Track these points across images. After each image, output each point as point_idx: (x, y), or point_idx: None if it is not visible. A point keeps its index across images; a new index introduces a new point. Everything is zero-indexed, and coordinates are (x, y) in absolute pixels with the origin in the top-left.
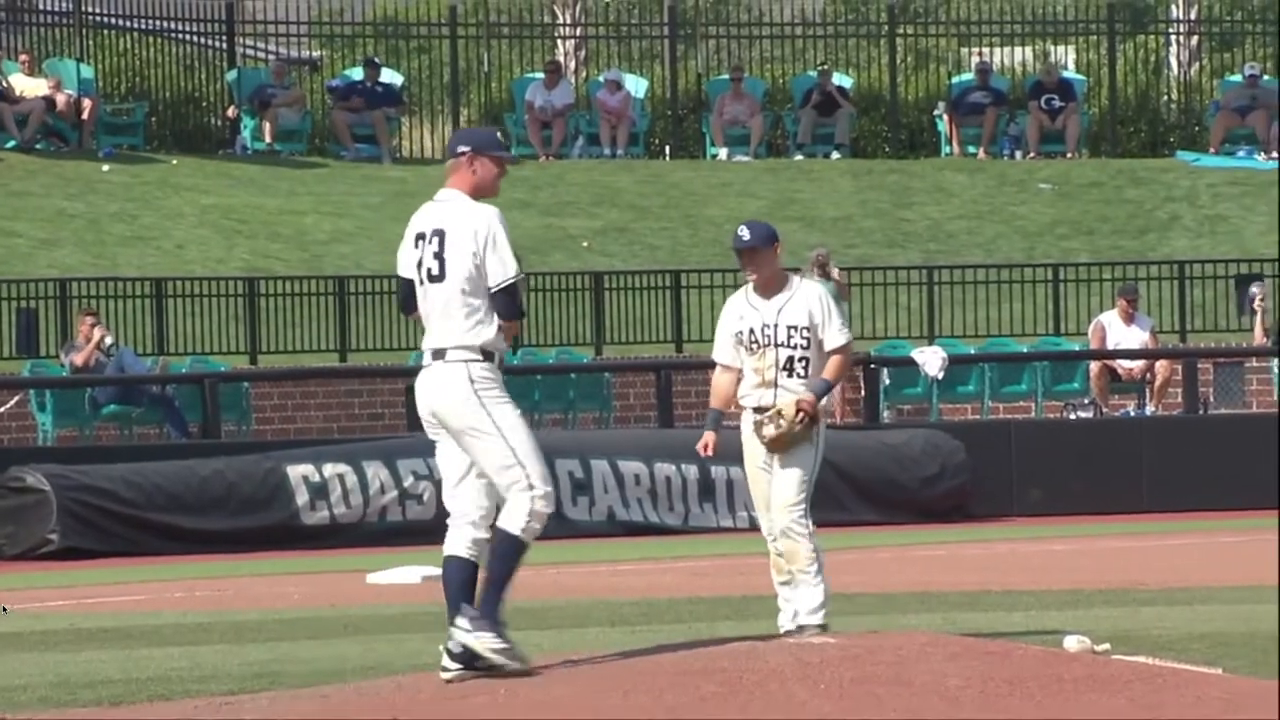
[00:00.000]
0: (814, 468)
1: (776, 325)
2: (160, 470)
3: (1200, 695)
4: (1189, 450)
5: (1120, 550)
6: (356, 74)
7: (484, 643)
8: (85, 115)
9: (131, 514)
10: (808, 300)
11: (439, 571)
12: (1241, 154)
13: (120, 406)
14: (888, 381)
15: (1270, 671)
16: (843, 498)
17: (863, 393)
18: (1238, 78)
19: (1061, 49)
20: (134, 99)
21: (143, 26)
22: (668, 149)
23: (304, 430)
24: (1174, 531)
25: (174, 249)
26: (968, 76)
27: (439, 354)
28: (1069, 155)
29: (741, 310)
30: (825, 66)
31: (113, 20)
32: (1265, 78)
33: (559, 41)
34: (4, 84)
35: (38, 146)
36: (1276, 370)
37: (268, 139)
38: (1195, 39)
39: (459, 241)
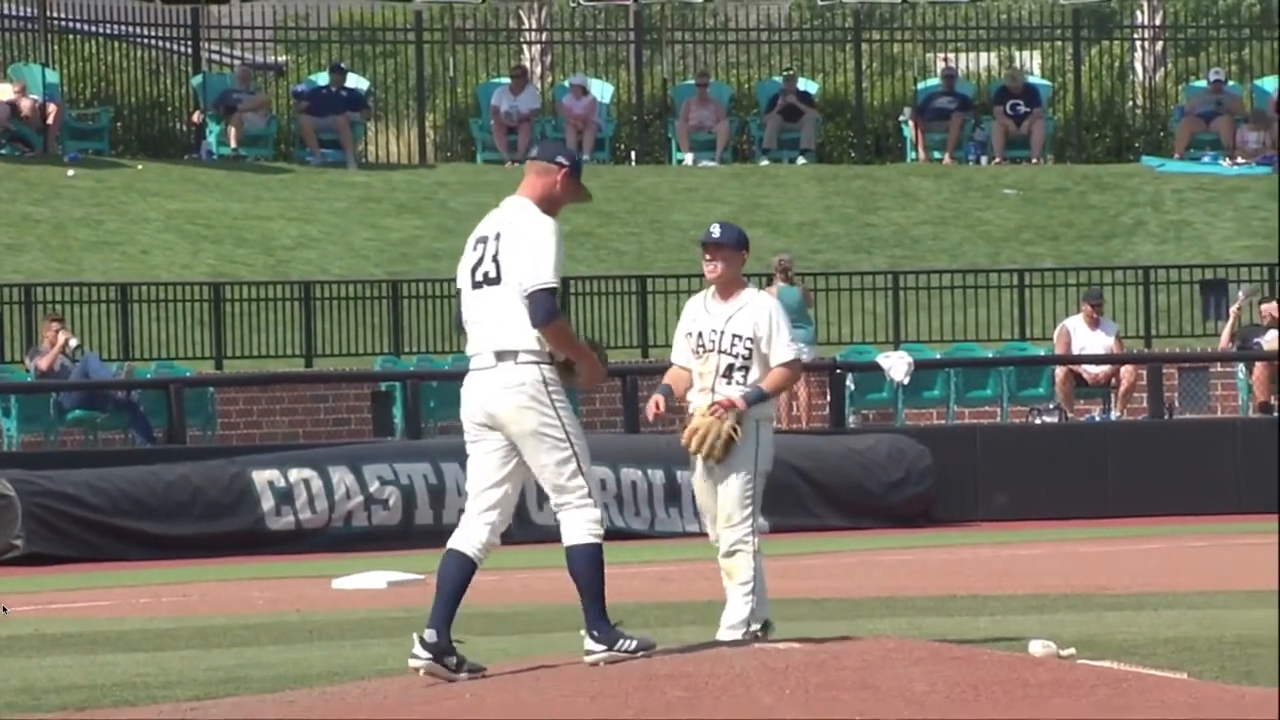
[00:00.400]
0: (755, 481)
1: (723, 332)
2: (125, 475)
3: (1165, 700)
4: (1154, 455)
5: (1085, 555)
6: (322, 79)
7: (625, 650)
8: (50, 120)
9: (97, 519)
10: (756, 312)
11: (404, 576)
12: (1206, 159)
13: (85, 412)
14: (853, 386)
15: (1233, 675)
16: (809, 503)
17: (829, 398)
18: (1202, 83)
19: (1027, 54)
20: (99, 104)
21: (108, 32)
22: (633, 154)
23: (269, 435)
24: (1139, 536)
25: (139, 254)
26: (933, 82)
27: (506, 355)
28: (1034, 161)
29: (696, 313)
30: (791, 72)
31: (78, 25)
32: (1229, 83)
33: (525, 47)
34: None
35: (2, 151)
36: (1241, 376)
37: (233, 144)
38: (1160, 45)
39: (511, 243)
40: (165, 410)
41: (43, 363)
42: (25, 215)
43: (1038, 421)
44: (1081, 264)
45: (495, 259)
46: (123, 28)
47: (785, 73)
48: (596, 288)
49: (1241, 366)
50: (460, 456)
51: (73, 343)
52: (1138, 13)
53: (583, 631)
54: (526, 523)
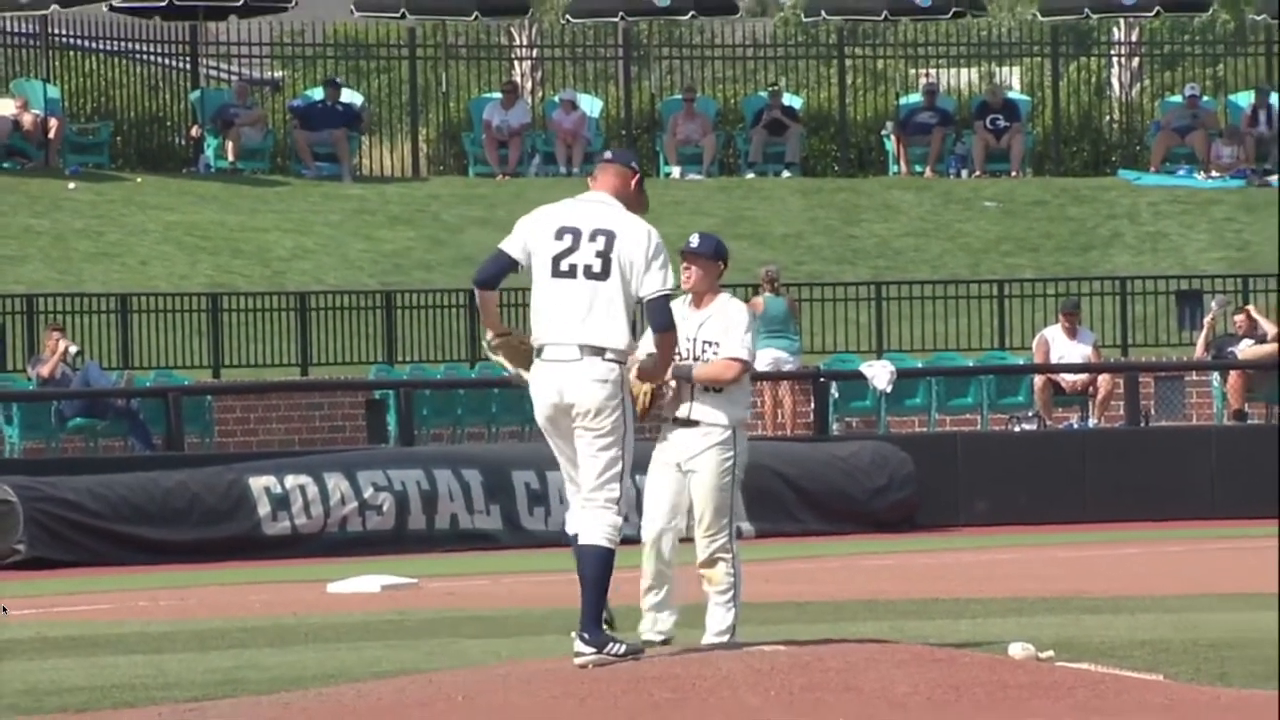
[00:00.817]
0: (732, 489)
1: (695, 339)
2: (125, 482)
3: (1141, 701)
4: (1131, 462)
5: (1064, 560)
6: (317, 94)
7: (613, 654)
8: (52, 134)
9: (97, 525)
10: (725, 317)
11: (397, 580)
12: (1181, 172)
13: (86, 420)
14: (837, 394)
15: (1207, 677)
16: (793, 508)
17: (813, 405)
18: (1178, 98)
19: (1007, 70)
20: (99, 119)
21: (108, 48)
22: None
23: (266, 443)
24: (1116, 541)
25: (138, 265)
26: (915, 97)
27: (594, 350)
28: (1013, 174)
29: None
30: (776, 87)
31: (79, 41)
32: (1204, 98)
33: (516, 63)
34: None
35: (5, 165)
36: (1216, 384)
37: (230, 158)
38: (1136, 61)
39: (629, 246)
40: (164, 418)
41: (44, 370)
42: (27, 227)
43: (1017, 429)
44: (1060, 275)
45: (603, 255)
46: (122, 44)
47: (770, 88)
48: None
49: (1216, 375)
50: (453, 464)
51: (73, 349)
52: (1115, 30)
53: (574, 634)
54: (516, 528)
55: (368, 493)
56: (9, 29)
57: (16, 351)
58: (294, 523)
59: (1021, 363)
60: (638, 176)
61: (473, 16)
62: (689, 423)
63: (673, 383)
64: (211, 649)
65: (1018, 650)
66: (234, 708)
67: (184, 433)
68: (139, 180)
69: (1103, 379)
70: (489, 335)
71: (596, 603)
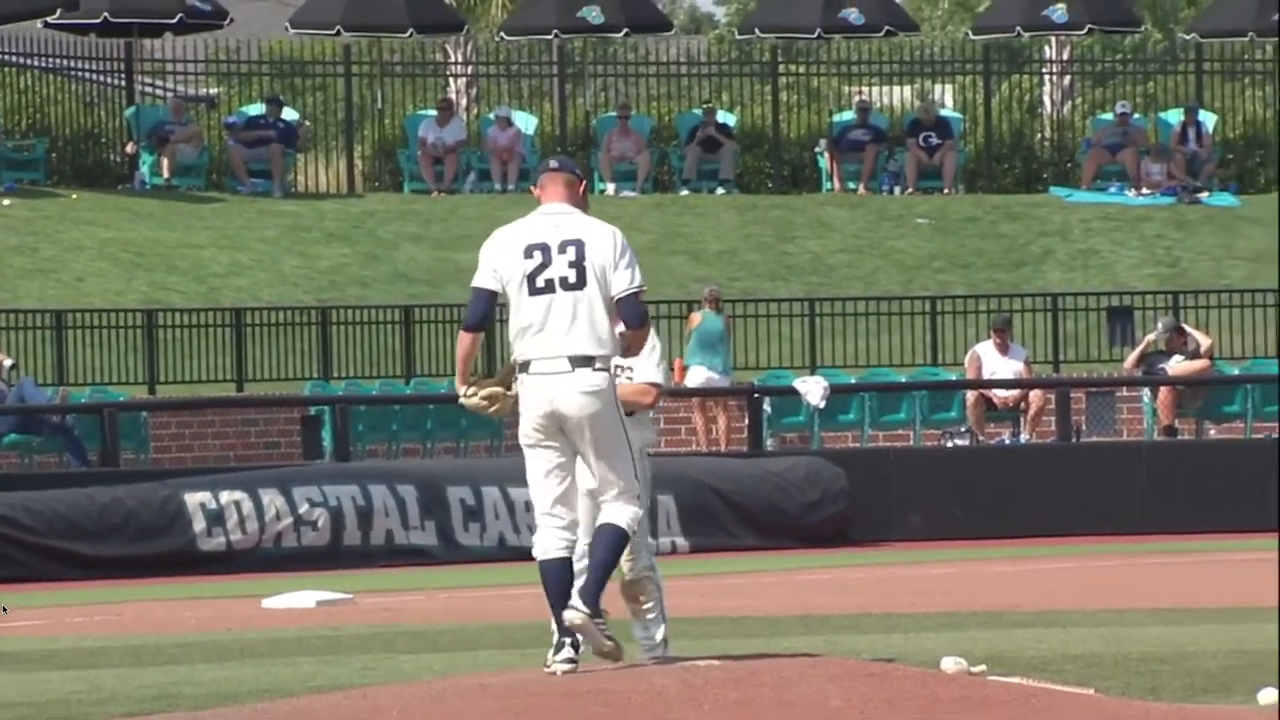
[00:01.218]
0: (643, 503)
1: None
2: (60, 498)
3: (1073, 715)
4: (1062, 477)
5: (996, 574)
6: (254, 110)
7: (602, 630)
8: None
9: (32, 541)
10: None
11: (332, 596)
12: (1113, 190)
13: (20, 436)
14: (770, 410)
15: (1138, 691)
16: (727, 523)
17: (747, 421)
18: (1109, 116)
19: (939, 88)
20: (34, 135)
21: (43, 65)
22: None
23: (201, 458)
24: (1048, 556)
25: (74, 281)
26: (848, 115)
27: (584, 361)
28: (946, 191)
29: None
30: (710, 105)
31: (14, 58)
32: (1135, 116)
33: (451, 80)
34: None
35: None
36: (1147, 400)
37: (166, 174)
38: (1068, 79)
39: (599, 251)
40: (99, 434)
41: None
42: None
43: (950, 444)
44: (992, 291)
45: (576, 265)
46: (58, 61)
47: (705, 105)
48: None
49: (1147, 391)
50: (388, 479)
51: (7, 362)
52: (1046, 48)
53: (573, 600)
54: (451, 543)
55: (303, 508)
56: None
57: None
58: (229, 538)
59: (954, 378)
60: (584, 183)
61: (408, 34)
62: None
63: None
64: (147, 665)
65: (950, 664)
66: None
67: (119, 449)
68: (74, 196)
69: (1034, 395)
70: (465, 389)
71: (601, 580)
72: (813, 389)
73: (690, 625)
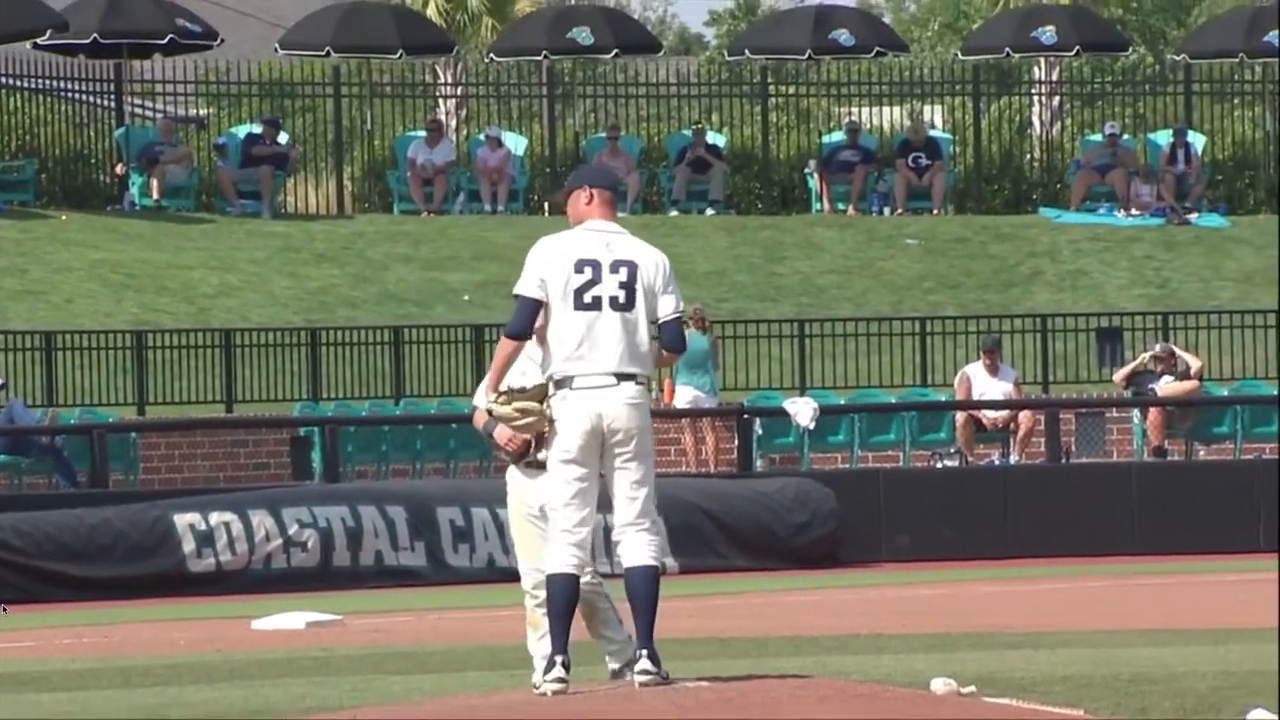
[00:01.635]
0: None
1: None
2: (50, 519)
3: None
4: (1052, 497)
5: (986, 595)
6: (243, 131)
7: (666, 676)
8: None
9: (21, 562)
10: None
11: (322, 617)
12: (1102, 211)
13: (10, 457)
14: (760, 431)
15: (1128, 711)
16: (716, 544)
17: (736, 442)
18: (1098, 137)
19: (929, 109)
20: (24, 156)
21: (33, 86)
22: (546, 205)
23: (191, 480)
24: (1038, 577)
25: (63, 303)
26: (838, 136)
27: (628, 377)
28: (935, 212)
29: None
30: (700, 126)
31: (3, 79)
32: (1124, 136)
33: (440, 101)
34: None
35: None
36: (1136, 420)
37: (155, 195)
38: (1057, 100)
39: (649, 274)
40: (89, 455)
41: None
42: None
43: (939, 465)
44: (981, 312)
45: (626, 286)
46: (48, 82)
47: (694, 126)
48: None
49: (1136, 411)
50: (378, 500)
51: None
52: (1036, 69)
53: (641, 652)
54: (441, 564)
55: (292, 529)
56: None
57: None
58: (219, 559)
59: (943, 399)
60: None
61: (397, 55)
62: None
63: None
64: (136, 686)
65: (940, 685)
66: None
67: (109, 470)
68: (64, 218)
69: (1024, 416)
70: (496, 396)
71: (653, 622)
72: (802, 410)
73: (680, 646)
